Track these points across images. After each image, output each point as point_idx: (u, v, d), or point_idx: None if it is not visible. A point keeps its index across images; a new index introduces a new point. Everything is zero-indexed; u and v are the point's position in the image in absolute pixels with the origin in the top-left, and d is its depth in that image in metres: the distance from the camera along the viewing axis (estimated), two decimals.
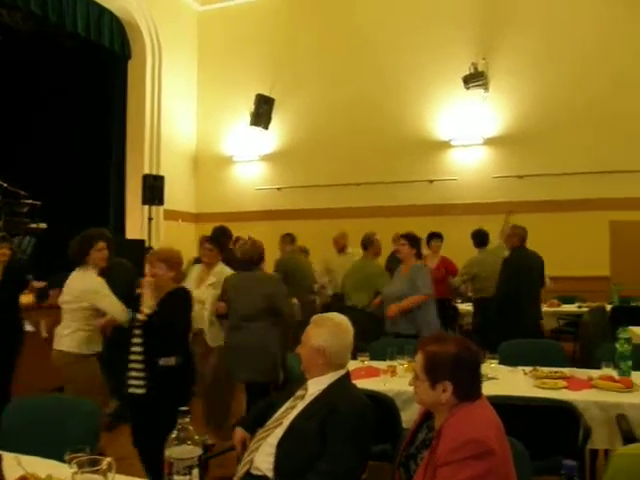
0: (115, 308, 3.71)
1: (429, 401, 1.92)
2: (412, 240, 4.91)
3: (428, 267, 4.94)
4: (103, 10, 9.42)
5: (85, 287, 3.73)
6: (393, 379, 3.34)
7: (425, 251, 6.56)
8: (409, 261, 4.90)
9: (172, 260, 3.47)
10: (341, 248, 7.21)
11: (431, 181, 9.40)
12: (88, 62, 9.56)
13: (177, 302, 3.46)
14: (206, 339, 4.54)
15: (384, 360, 3.60)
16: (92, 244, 3.77)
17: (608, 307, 6.97)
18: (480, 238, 6.74)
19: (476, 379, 1.93)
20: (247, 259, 4.47)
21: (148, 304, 3.36)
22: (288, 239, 6.84)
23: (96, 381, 3.75)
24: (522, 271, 5.45)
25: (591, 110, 8.58)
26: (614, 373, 3.30)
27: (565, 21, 8.79)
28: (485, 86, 9.04)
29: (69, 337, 3.75)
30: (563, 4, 8.82)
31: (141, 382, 3.37)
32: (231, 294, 4.41)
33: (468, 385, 1.88)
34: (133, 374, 3.41)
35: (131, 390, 3.41)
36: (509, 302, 5.43)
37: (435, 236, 7.05)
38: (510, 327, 5.14)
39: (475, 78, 8.95)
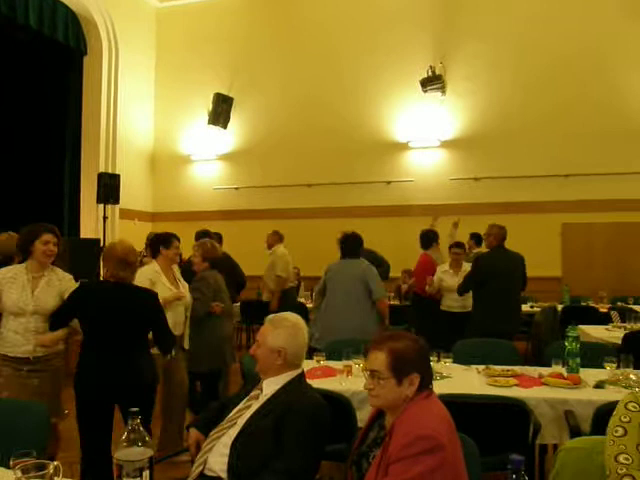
0: None
1: (393, 398, 1.91)
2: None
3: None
4: (57, 3, 9.21)
5: None
6: (349, 379, 3.35)
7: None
8: None
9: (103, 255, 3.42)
10: (268, 246, 7.48)
11: (389, 182, 9.50)
12: (42, 56, 9.33)
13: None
14: (185, 343, 4.38)
15: (340, 360, 3.61)
16: (38, 235, 3.45)
17: (559, 307, 7.16)
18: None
19: (431, 369, 2.02)
20: (216, 256, 4.85)
21: None
22: (216, 238, 6.80)
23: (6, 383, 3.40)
24: (492, 271, 5.34)
25: (545, 115, 8.83)
26: (563, 370, 3.39)
27: (520, 29, 9.00)
28: (442, 89, 9.20)
29: None
30: (519, 12, 9.03)
31: None
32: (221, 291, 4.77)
33: (430, 375, 1.98)
34: None
35: None
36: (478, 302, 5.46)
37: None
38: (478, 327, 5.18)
39: (432, 81, 9.09)
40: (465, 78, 9.27)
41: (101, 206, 9.04)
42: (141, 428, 1.64)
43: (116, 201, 9.06)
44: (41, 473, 1.59)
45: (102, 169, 9.47)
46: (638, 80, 8.58)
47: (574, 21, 8.79)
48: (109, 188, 8.87)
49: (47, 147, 9.67)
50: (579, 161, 8.60)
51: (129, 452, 1.60)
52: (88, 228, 9.56)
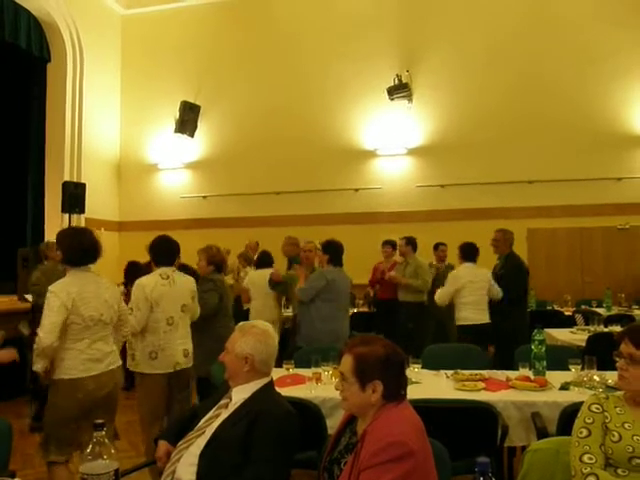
0: None
1: (358, 403, 1.92)
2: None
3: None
4: (19, 9, 9.01)
5: None
6: (319, 386, 3.35)
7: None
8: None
9: None
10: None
11: (357, 190, 9.55)
12: (3, 64, 9.09)
13: None
14: None
15: (309, 367, 3.61)
16: None
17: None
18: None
19: (403, 379, 1.97)
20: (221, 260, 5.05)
21: None
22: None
23: None
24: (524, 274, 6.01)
25: (510, 123, 9.00)
26: (530, 373, 3.44)
27: (486, 39, 9.17)
28: (409, 97, 9.29)
29: None
30: (486, 22, 9.20)
31: None
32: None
33: (396, 385, 1.91)
34: None
35: None
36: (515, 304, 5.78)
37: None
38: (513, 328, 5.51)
39: (399, 89, 9.18)
40: (431, 86, 9.39)
41: (66, 216, 8.85)
42: (106, 440, 1.61)
43: (81, 210, 8.88)
44: None
45: (67, 178, 9.27)
46: (600, 91, 8.80)
47: (538, 34, 8.98)
48: (74, 197, 8.70)
49: (10, 156, 9.43)
50: (542, 168, 8.78)
51: (94, 465, 1.56)
52: (53, 239, 9.34)
